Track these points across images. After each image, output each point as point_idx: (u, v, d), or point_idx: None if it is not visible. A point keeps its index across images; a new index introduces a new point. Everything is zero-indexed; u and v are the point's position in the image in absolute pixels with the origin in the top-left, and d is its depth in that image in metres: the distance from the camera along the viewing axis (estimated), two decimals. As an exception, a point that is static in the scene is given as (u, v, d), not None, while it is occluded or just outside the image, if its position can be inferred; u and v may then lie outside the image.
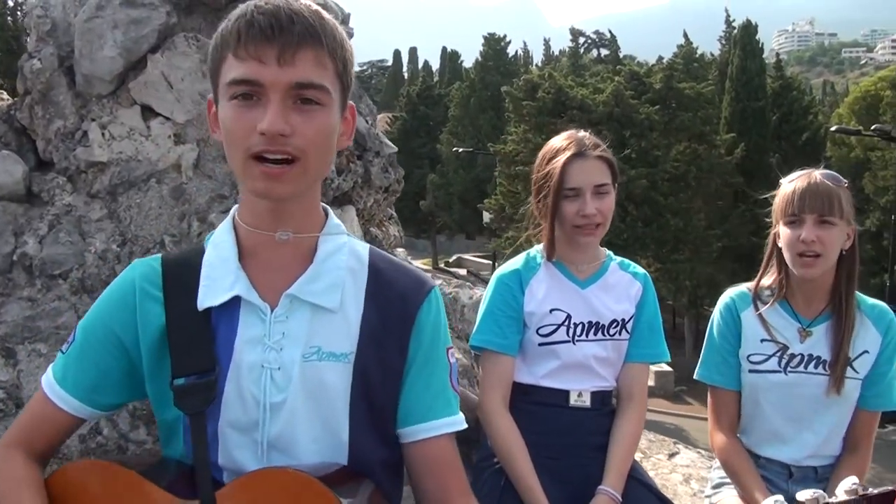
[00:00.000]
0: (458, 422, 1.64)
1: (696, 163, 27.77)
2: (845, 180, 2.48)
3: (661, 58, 37.35)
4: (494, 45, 53.50)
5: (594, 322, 2.50)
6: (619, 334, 2.52)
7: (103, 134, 2.77)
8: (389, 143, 3.29)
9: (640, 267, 2.68)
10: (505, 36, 54.98)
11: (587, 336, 2.49)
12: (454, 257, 49.18)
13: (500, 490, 2.38)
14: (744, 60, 36.38)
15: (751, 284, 2.62)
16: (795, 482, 2.49)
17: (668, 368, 22.45)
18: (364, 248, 1.66)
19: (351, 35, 2.86)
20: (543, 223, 2.53)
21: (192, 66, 2.75)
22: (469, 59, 69.73)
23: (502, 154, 30.16)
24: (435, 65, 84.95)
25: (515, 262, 2.57)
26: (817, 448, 2.49)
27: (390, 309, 1.60)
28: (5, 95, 3.31)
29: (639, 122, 27.09)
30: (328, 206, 1.64)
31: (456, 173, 46.53)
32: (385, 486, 1.60)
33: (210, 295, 1.52)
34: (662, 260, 25.71)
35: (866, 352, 2.47)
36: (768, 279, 2.58)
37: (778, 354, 2.50)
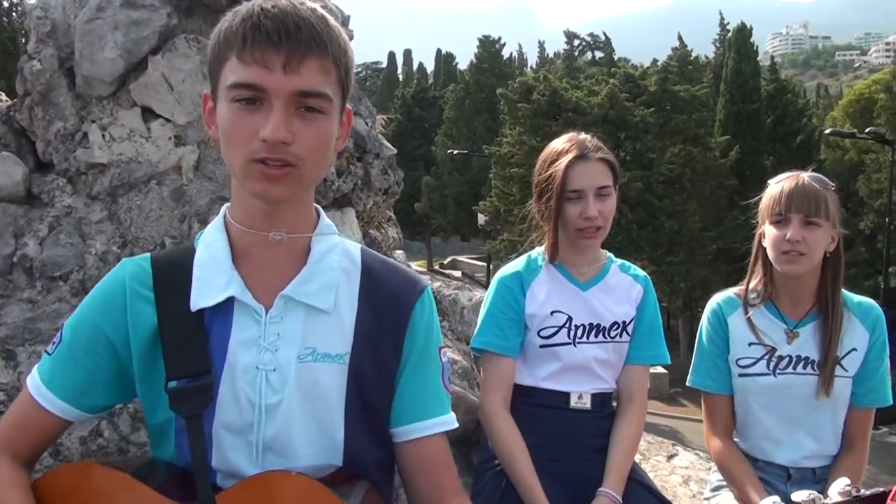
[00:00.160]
0: (451, 421, 1.64)
1: (691, 165, 27.83)
2: (832, 183, 2.50)
3: (655, 60, 37.36)
4: (489, 47, 53.55)
5: (595, 324, 2.50)
6: (620, 336, 2.53)
7: (103, 135, 2.77)
8: (389, 145, 3.30)
9: (641, 269, 2.70)
10: (500, 38, 55.03)
11: (588, 338, 2.49)
12: (449, 259, 49.17)
13: (502, 492, 2.39)
14: (738, 63, 36.51)
15: (737, 289, 2.64)
16: (794, 484, 2.48)
17: (663, 370, 22.45)
18: (356, 249, 1.65)
19: (351, 37, 2.87)
20: (546, 226, 2.54)
21: (192, 68, 2.75)
22: (463, 61, 69.76)
23: (497, 156, 30.18)
24: (429, 67, 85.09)
25: (517, 265, 2.57)
26: (813, 448, 2.50)
27: (384, 309, 1.59)
28: (3, 97, 3.30)
29: (633, 124, 27.13)
30: (320, 207, 1.63)
31: (451, 175, 46.54)
32: (379, 486, 1.59)
33: (203, 296, 1.50)
34: (657, 262, 25.74)
35: (854, 349, 2.48)
36: (755, 282, 2.59)
37: (766, 357, 2.50)
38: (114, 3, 2.74)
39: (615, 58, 56.65)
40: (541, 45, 76.60)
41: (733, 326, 2.57)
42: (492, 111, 46.21)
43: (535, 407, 2.49)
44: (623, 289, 2.58)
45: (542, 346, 2.48)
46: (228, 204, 1.60)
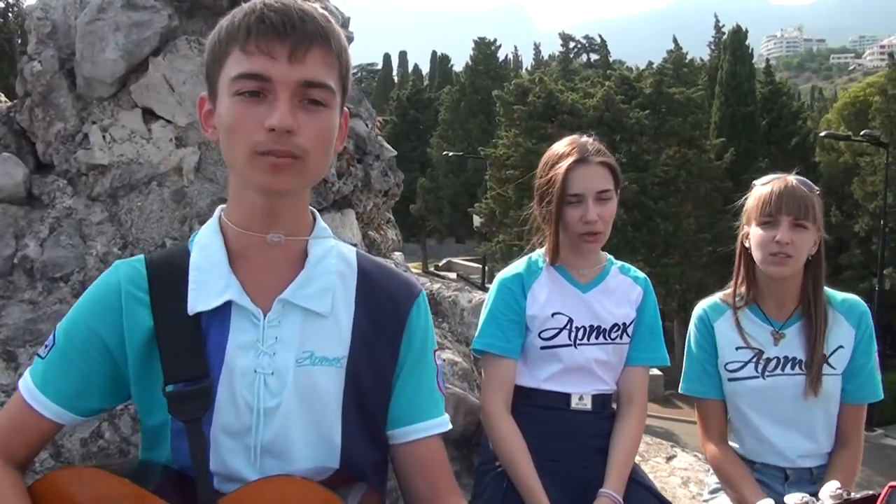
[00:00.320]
0: (446, 422, 1.65)
1: (686, 167, 27.84)
2: (817, 188, 2.51)
3: (650, 63, 37.44)
4: (485, 49, 53.52)
5: (595, 326, 2.51)
6: (620, 338, 2.54)
7: (104, 136, 2.76)
8: (389, 146, 3.30)
9: (641, 271, 2.70)
10: (495, 40, 55.00)
11: (589, 340, 2.50)
12: (444, 261, 49.17)
13: (503, 493, 2.39)
14: (733, 66, 36.56)
15: (722, 294, 2.66)
16: (791, 485, 2.50)
17: (658, 372, 22.47)
18: (351, 252, 1.65)
19: (351, 39, 2.87)
20: (547, 228, 2.54)
21: (193, 70, 2.75)
22: (459, 63, 69.79)
23: (492, 158, 30.15)
24: (425, 69, 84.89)
25: (518, 266, 2.58)
26: (807, 448, 2.51)
27: (381, 313, 1.60)
28: (3, 97, 3.30)
29: (629, 126, 27.13)
30: (315, 210, 1.63)
31: (446, 177, 46.56)
32: (375, 488, 1.60)
33: (201, 299, 1.49)
34: (652, 264, 25.73)
35: (841, 347, 2.50)
36: (740, 285, 2.61)
37: (754, 360, 2.52)
38: (115, 5, 2.74)
39: (610, 60, 56.71)
40: (536, 48, 76.58)
41: (720, 331, 2.59)
42: (487, 113, 46.24)
43: (535, 408, 2.49)
44: (623, 291, 2.59)
45: (542, 348, 2.48)
46: (223, 206, 1.60)
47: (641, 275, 2.67)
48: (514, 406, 2.48)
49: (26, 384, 1.53)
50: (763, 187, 2.50)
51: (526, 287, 2.52)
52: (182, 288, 1.51)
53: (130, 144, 2.76)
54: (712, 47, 48.03)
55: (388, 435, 1.62)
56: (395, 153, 3.31)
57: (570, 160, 2.46)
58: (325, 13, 1.43)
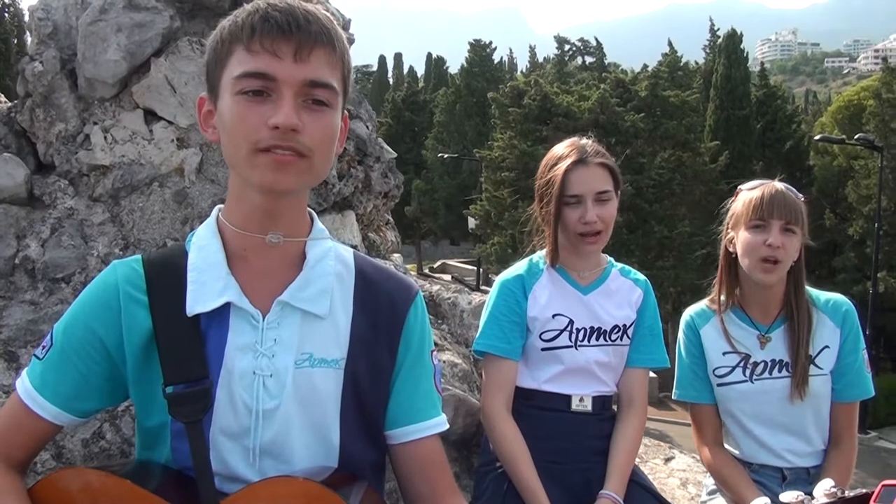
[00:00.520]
0: (444, 422, 1.66)
1: (681, 170, 27.84)
2: (801, 195, 2.54)
3: (645, 66, 37.44)
4: (480, 51, 53.51)
5: (596, 327, 2.52)
6: (621, 340, 2.55)
7: (105, 137, 2.77)
8: (389, 148, 3.31)
9: (641, 273, 2.71)
10: (490, 42, 55.01)
11: (589, 341, 2.51)
12: (439, 263, 49.12)
13: (503, 494, 2.40)
14: (728, 69, 36.64)
15: (708, 300, 2.68)
16: (789, 485, 2.51)
17: (652, 375, 22.51)
18: (349, 253, 1.66)
19: (352, 41, 2.87)
20: (547, 230, 2.55)
21: (195, 71, 2.76)
22: (454, 65, 69.71)
23: (488, 160, 30.15)
24: (420, 70, 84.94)
25: (519, 268, 2.59)
26: (801, 448, 2.53)
27: (379, 314, 1.60)
28: (3, 98, 3.29)
29: (624, 129, 27.13)
30: (313, 212, 1.63)
31: (441, 179, 46.54)
32: (375, 487, 1.61)
33: (199, 301, 1.49)
34: (647, 266, 25.72)
35: (827, 347, 2.51)
36: (724, 290, 2.62)
37: (741, 364, 2.54)
38: (117, 6, 2.74)
39: (605, 63, 56.77)
40: (531, 50, 76.58)
41: (706, 337, 2.61)
42: (482, 115, 46.21)
43: (536, 409, 2.50)
44: (623, 293, 2.60)
45: (543, 349, 2.49)
46: (221, 206, 1.59)
47: (642, 277, 2.68)
48: (514, 407, 2.48)
49: (24, 385, 1.53)
50: (751, 192, 2.51)
51: (527, 288, 2.53)
52: (180, 288, 1.50)
53: (132, 145, 2.76)
54: (707, 50, 48.05)
55: (387, 435, 1.62)
56: (395, 155, 3.32)
57: (568, 161, 2.47)
58: (328, 14, 1.43)
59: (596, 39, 57.41)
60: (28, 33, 3.03)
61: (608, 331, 2.53)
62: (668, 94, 28.63)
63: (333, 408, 1.53)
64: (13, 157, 2.77)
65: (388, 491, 1.92)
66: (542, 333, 2.49)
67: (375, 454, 1.63)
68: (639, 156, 27.03)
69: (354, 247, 2.55)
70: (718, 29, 46.31)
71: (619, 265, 2.67)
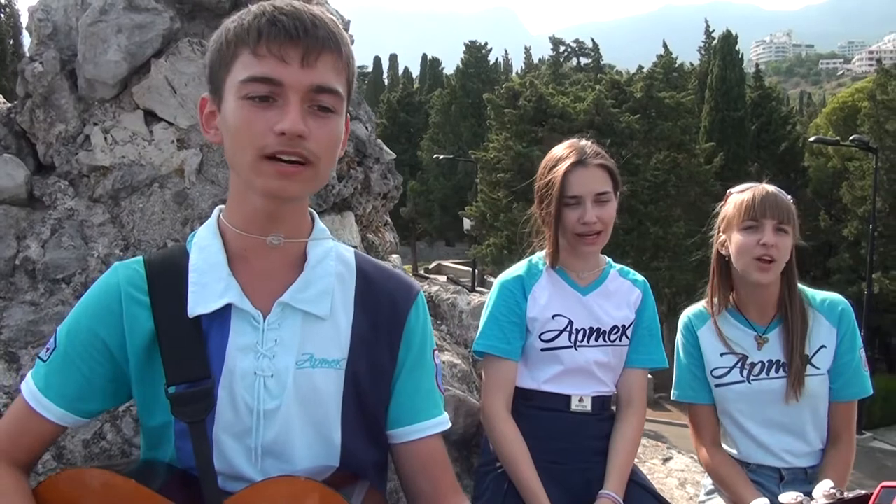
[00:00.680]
0: (446, 421, 1.67)
1: (676, 171, 27.88)
2: (790, 197, 2.56)
3: (641, 67, 37.48)
4: (475, 52, 53.51)
5: (595, 328, 2.53)
6: (620, 340, 2.56)
7: (106, 138, 2.76)
8: (388, 150, 3.31)
9: (639, 274, 2.72)
10: (486, 43, 55.03)
11: (588, 342, 2.52)
12: (434, 264, 49.10)
13: (503, 494, 2.41)
14: (723, 70, 36.73)
15: (705, 302, 2.70)
16: (787, 484, 2.53)
17: (648, 375, 22.46)
18: (350, 253, 1.66)
19: (352, 41, 2.88)
20: (547, 231, 2.56)
21: (195, 72, 2.76)
22: (449, 66, 69.74)
23: (483, 161, 30.16)
24: (415, 72, 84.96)
25: (518, 269, 2.60)
26: (799, 448, 2.54)
27: (380, 314, 1.61)
28: (1, 98, 3.29)
29: (619, 130, 27.15)
30: (314, 211, 1.63)
31: (436, 180, 46.55)
32: (376, 486, 1.61)
33: (201, 302, 1.49)
34: (642, 267, 25.61)
35: (823, 347, 2.53)
36: (717, 293, 2.64)
37: (738, 365, 2.56)
38: (117, 7, 2.73)
39: (602, 63, 56.79)
40: (527, 51, 76.55)
41: (704, 338, 2.63)
42: (478, 116, 46.25)
43: (535, 409, 2.51)
44: (622, 293, 2.61)
45: (543, 350, 2.50)
46: (221, 206, 1.59)
47: (640, 278, 2.69)
48: (514, 407, 2.49)
49: (28, 387, 1.54)
50: (742, 194, 2.54)
51: (526, 289, 2.54)
52: (182, 289, 1.51)
53: (132, 146, 2.76)
54: (702, 52, 48.11)
55: (389, 435, 1.63)
56: (394, 156, 3.32)
57: (568, 162, 2.49)
58: (333, 18, 1.43)
59: (592, 41, 57.44)
60: (28, 34, 3.02)
61: (607, 331, 2.54)
62: (663, 96, 28.67)
63: (335, 408, 1.54)
64: (13, 158, 2.76)
65: (388, 491, 1.93)
66: (541, 334, 2.50)
67: (377, 454, 1.64)
68: (634, 157, 27.04)
69: (354, 248, 2.54)
70: (713, 30, 46.41)
71: (618, 266, 2.68)
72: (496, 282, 2.62)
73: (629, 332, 2.58)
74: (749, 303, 2.58)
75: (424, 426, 1.62)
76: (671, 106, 28.42)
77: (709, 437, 2.65)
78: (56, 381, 1.52)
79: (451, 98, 50.34)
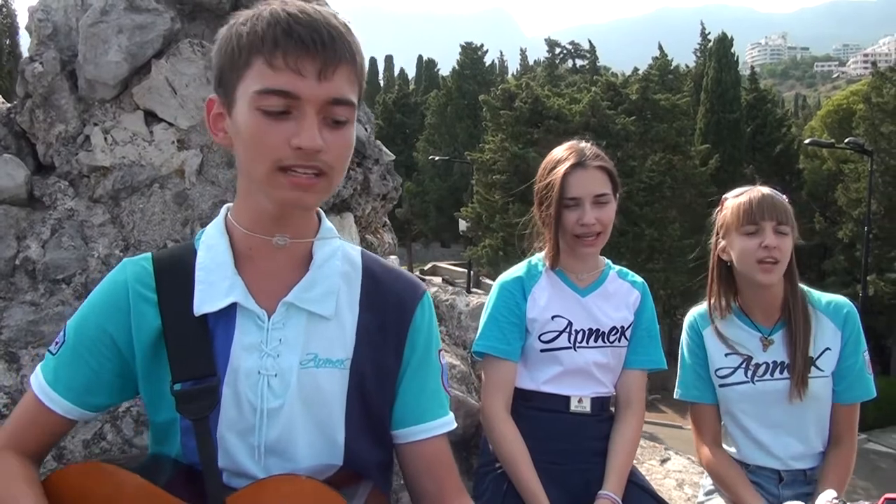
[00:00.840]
0: (451, 422, 1.66)
1: (671, 173, 27.96)
2: (786, 197, 2.57)
3: (636, 69, 37.55)
4: (471, 53, 53.58)
5: (594, 329, 2.54)
6: (619, 341, 2.57)
7: (106, 139, 2.76)
8: (388, 151, 3.31)
9: (638, 276, 2.73)
10: (482, 45, 55.09)
11: (588, 343, 2.53)
12: (429, 265, 49.01)
13: (503, 495, 2.41)
14: (719, 73, 36.83)
15: (706, 303, 2.69)
16: (786, 486, 2.54)
17: (646, 376, 22.43)
18: (356, 252, 1.66)
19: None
20: (547, 233, 2.57)
21: (196, 72, 2.75)
22: (445, 67, 69.75)
23: (479, 163, 30.21)
24: (411, 73, 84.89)
25: (518, 270, 2.61)
26: (800, 450, 2.55)
27: (386, 313, 1.61)
28: (1, 98, 3.29)
29: (615, 132, 27.24)
30: (321, 211, 1.63)
31: (432, 181, 46.62)
32: (380, 486, 1.61)
33: (207, 301, 1.50)
34: (637, 269, 25.55)
35: (828, 349, 2.53)
36: (717, 297, 2.64)
37: (743, 366, 2.56)
38: (118, 7, 2.73)
39: (598, 65, 56.90)
40: (522, 53, 76.60)
41: (708, 339, 2.63)
42: (474, 117, 46.31)
43: (535, 410, 2.52)
44: (621, 295, 2.62)
45: (542, 351, 2.51)
46: (229, 205, 1.60)
47: (639, 279, 2.70)
48: (513, 408, 2.50)
49: (38, 380, 1.55)
50: (739, 198, 2.54)
51: (526, 290, 2.55)
52: (189, 287, 1.52)
53: (132, 146, 2.76)
54: (697, 54, 48.30)
55: (394, 435, 1.63)
56: (393, 157, 3.32)
57: (567, 164, 2.50)
58: (345, 23, 1.42)
59: (589, 42, 57.52)
60: (27, 34, 3.02)
61: (606, 332, 2.55)
62: (658, 98, 28.76)
63: (338, 408, 1.54)
64: (13, 158, 2.76)
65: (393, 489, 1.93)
66: (541, 335, 2.51)
67: (382, 453, 1.64)
68: (629, 159, 27.12)
69: (357, 248, 2.55)
70: (709, 33, 46.57)
71: (617, 268, 2.69)
72: (496, 283, 2.63)
73: (628, 334, 2.59)
74: (754, 305, 2.59)
75: (430, 426, 1.62)
76: (667, 108, 28.51)
77: (710, 436, 2.65)
78: (64, 375, 1.53)
79: (446, 99, 50.39)
